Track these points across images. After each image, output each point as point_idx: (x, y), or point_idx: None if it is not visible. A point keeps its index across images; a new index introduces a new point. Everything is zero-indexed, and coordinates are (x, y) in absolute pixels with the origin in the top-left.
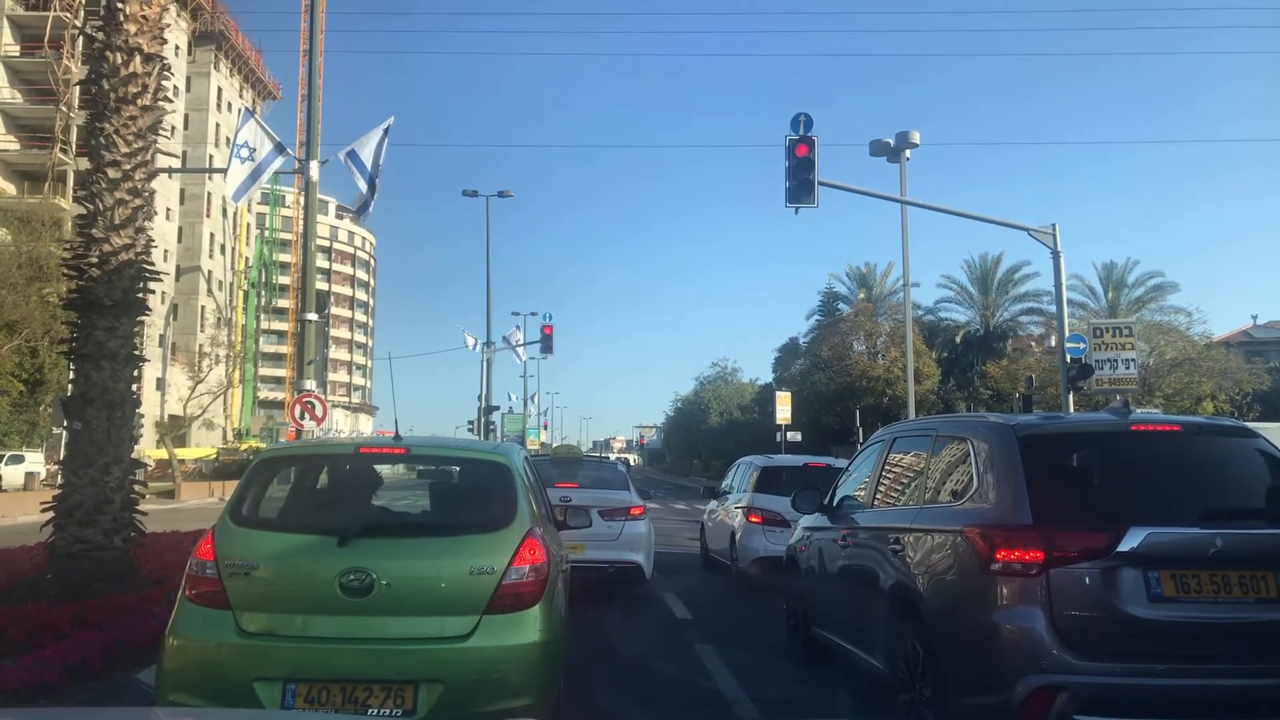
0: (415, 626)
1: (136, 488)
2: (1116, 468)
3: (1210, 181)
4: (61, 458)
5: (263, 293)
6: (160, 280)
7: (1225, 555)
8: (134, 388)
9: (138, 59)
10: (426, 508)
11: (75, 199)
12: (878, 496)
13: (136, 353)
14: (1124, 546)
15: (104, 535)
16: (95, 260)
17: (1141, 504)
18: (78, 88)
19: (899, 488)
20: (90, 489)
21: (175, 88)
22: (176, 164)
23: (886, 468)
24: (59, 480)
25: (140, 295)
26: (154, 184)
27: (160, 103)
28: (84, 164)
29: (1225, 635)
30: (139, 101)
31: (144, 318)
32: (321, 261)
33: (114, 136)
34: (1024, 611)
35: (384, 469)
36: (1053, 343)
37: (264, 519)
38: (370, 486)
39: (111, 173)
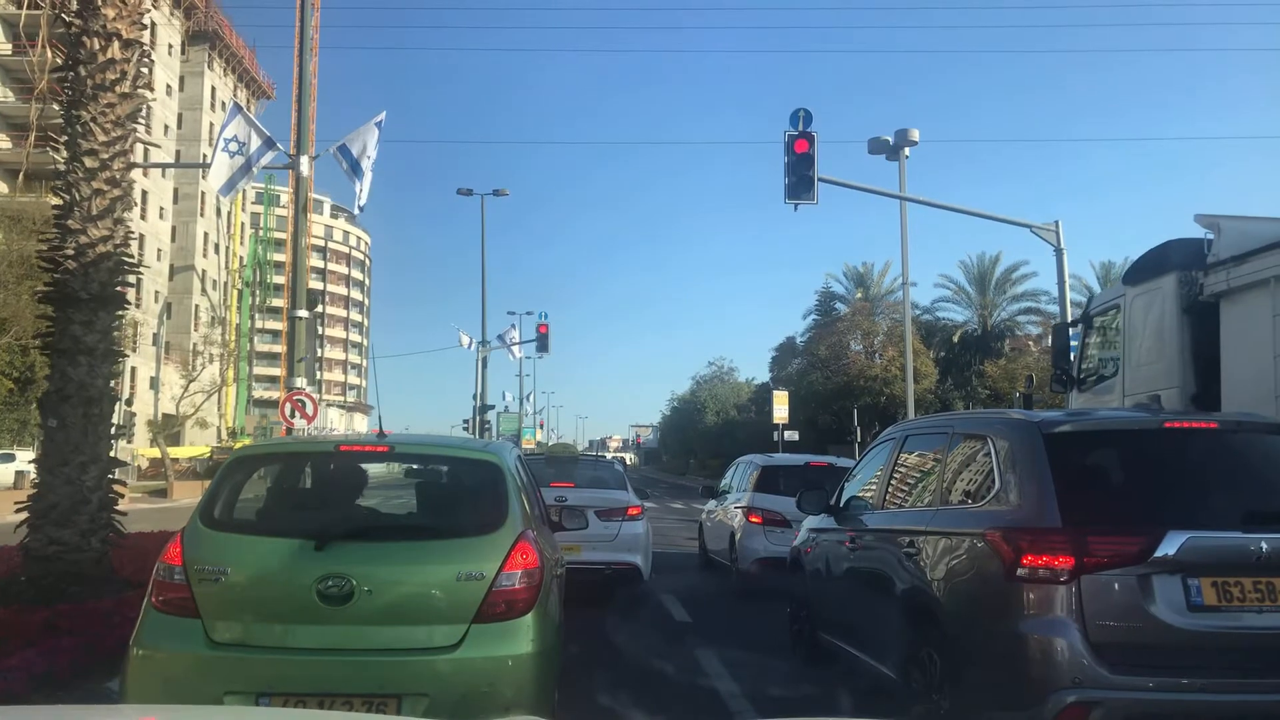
0: (399, 636)
1: (116, 487)
2: (1150, 467)
3: (1209, 178)
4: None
5: (257, 292)
6: (140, 273)
7: (1271, 561)
8: (113, 384)
9: (116, 44)
10: (412, 509)
11: (51, 189)
12: (888, 497)
13: (116, 348)
14: (1162, 552)
15: (80, 536)
16: (72, 252)
17: (1179, 506)
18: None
19: (912, 488)
20: (66, 488)
21: (169, 87)
22: (166, 160)
23: (898, 467)
24: (36, 479)
25: (119, 289)
26: (149, 183)
27: (140, 90)
28: None
29: (1271, 647)
30: (117, 89)
31: (123, 312)
32: (316, 261)
33: (91, 125)
34: (1053, 621)
35: (376, 468)
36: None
37: (237, 521)
38: (353, 487)
39: (89, 162)
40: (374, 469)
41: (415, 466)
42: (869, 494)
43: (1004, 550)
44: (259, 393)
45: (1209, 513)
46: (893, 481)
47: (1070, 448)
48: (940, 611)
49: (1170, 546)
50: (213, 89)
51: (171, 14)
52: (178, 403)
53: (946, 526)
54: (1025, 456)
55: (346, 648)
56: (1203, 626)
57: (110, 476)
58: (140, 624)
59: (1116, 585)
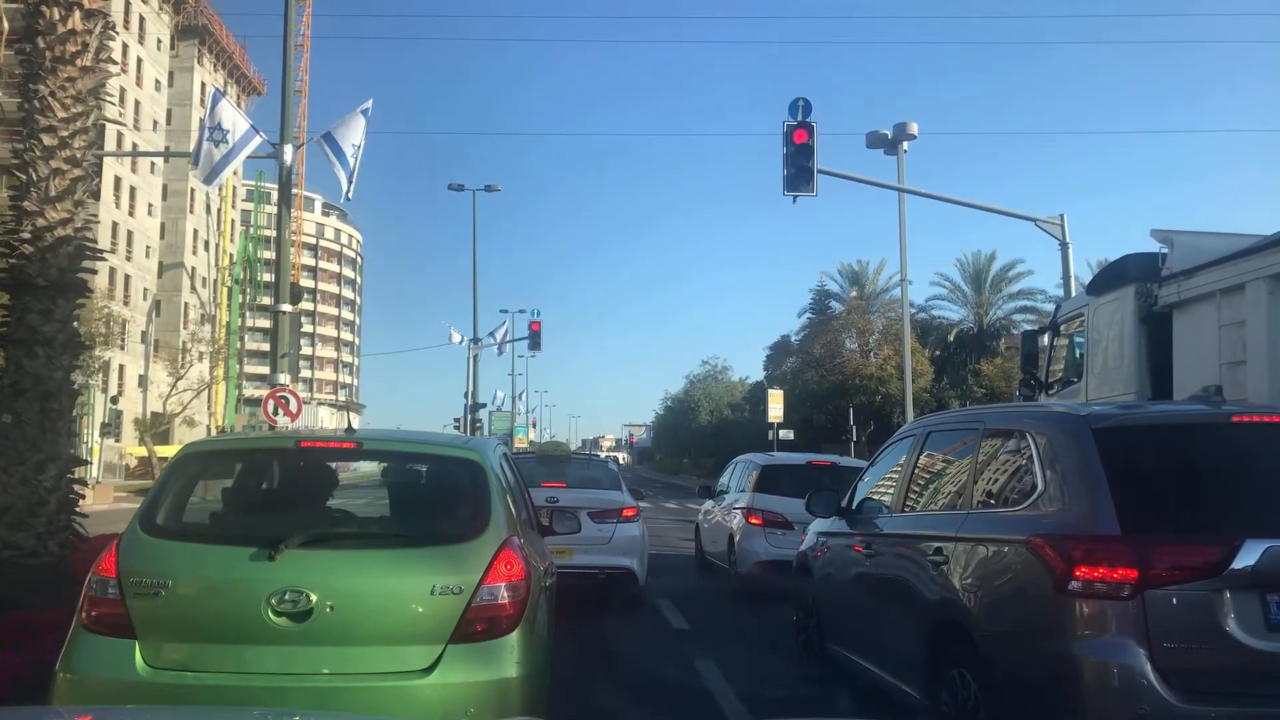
0: (364, 659)
1: (77, 487)
2: (1218, 467)
3: (1208, 176)
4: None
5: (247, 289)
6: (104, 259)
7: None
8: (72, 377)
9: (77, 14)
10: (384, 513)
11: (7, 168)
12: (909, 499)
13: (76, 338)
14: (1239, 563)
15: (37, 540)
16: (28, 236)
17: (1254, 511)
18: None
19: (937, 489)
20: (22, 489)
21: (157, 82)
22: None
23: (920, 466)
24: None
25: (80, 275)
26: (137, 179)
27: (103, 64)
28: None
29: None
30: (78, 62)
31: (83, 300)
32: (307, 259)
33: (49, 100)
34: (1114, 643)
35: (366, 468)
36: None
37: (182, 527)
38: (318, 488)
39: (47, 139)
40: (363, 468)
41: (389, 466)
42: (886, 496)
43: (1052, 560)
44: (249, 391)
45: None
46: (913, 482)
47: (1125, 444)
48: (974, 627)
49: (1249, 557)
50: (202, 84)
51: (160, 8)
52: (165, 401)
53: (980, 532)
54: (1073, 455)
55: (304, 672)
56: None
57: (70, 476)
58: (67, 645)
59: (1186, 601)
